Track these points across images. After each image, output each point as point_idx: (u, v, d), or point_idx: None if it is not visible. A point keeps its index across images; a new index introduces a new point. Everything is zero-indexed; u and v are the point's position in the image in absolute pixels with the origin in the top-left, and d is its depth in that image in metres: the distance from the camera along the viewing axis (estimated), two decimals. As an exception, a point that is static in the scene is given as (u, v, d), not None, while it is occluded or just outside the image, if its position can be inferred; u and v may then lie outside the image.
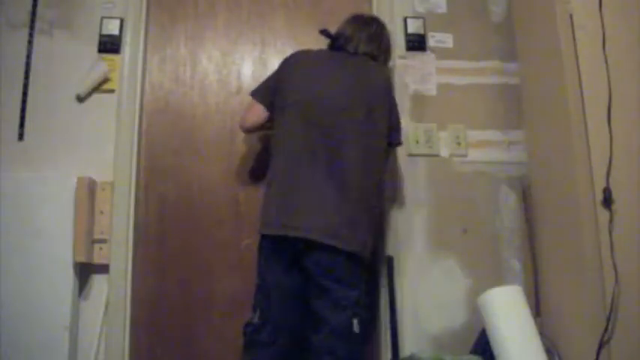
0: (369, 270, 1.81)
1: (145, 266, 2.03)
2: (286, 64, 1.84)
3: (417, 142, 2.14)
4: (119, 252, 1.96)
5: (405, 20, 2.24)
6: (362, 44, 1.84)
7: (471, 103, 2.22)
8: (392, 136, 1.82)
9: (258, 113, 1.82)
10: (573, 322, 1.82)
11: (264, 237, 1.69)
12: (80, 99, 2.06)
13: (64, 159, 2.01)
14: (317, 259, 1.61)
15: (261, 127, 1.87)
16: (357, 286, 1.64)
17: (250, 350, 1.66)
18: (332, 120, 1.68)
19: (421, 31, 2.24)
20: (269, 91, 1.82)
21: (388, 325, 1.99)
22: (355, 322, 1.60)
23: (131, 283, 1.98)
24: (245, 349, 1.67)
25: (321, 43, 1.99)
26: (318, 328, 1.61)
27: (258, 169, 2.12)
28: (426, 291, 2.04)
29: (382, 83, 1.80)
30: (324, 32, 1.88)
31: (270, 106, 1.80)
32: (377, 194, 1.78)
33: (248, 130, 1.92)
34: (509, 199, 2.15)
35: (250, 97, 1.87)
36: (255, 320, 1.65)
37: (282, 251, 1.64)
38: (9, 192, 1.89)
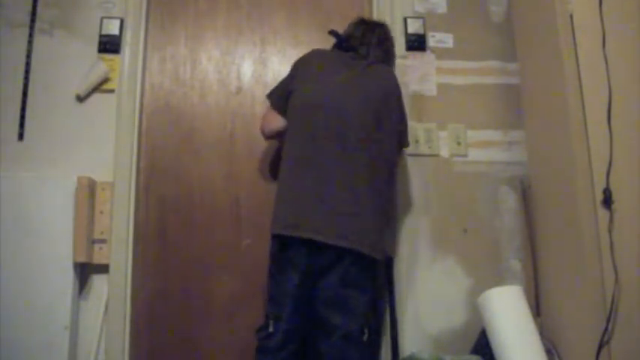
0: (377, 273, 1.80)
1: (145, 266, 2.03)
2: (298, 65, 1.85)
3: (417, 142, 2.14)
4: (119, 252, 1.96)
5: (405, 20, 2.24)
6: (372, 47, 1.85)
7: (471, 103, 2.21)
8: (401, 138, 1.84)
9: (276, 122, 1.81)
10: (573, 322, 1.82)
11: (274, 239, 1.67)
12: (80, 99, 2.06)
13: (64, 159, 2.00)
14: (326, 262, 1.60)
15: (283, 134, 1.83)
16: (368, 290, 1.63)
17: (260, 356, 1.64)
18: (341, 123, 1.67)
19: (421, 31, 2.24)
20: (283, 98, 1.80)
21: (388, 325, 1.99)
22: (366, 330, 1.60)
23: (131, 283, 1.97)
24: (256, 353, 1.65)
25: (323, 42, 1.99)
26: (327, 335, 1.59)
27: (258, 169, 2.12)
28: (426, 291, 2.04)
29: (392, 87, 1.81)
30: (333, 33, 1.88)
31: (285, 113, 1.79)
32: (388, 196, 1.76)
33: (268, 138, 1.91)
34: (510, 199, 2.15)
35: (267, 100, 1.87)
36: (270, 329, 1.62)
37: (293, 256, 1.62)
38: (9, 192, 1.88)
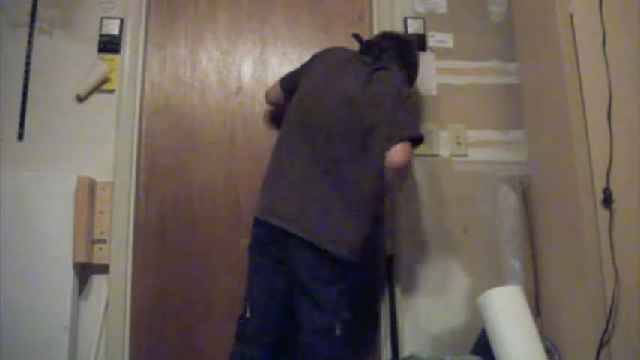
0: (364, 269, 1.80)
1: (145, 266, 2.03)
2: (314, 59, 1.89)
3: (417, 142, 2.14)
4: (119, 252, 1.96)
5: (405, 20, 2.24)
6: (389, 53, 1.82)
7: (471, 103, 2.21)
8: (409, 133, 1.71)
9: (274, 94, 2.00)
10: (573, 322, 1.82)
11: (254, 221, 1.73)
12: (80, 99, 2.06)
13: (64, 159, 2.01)
14: (296, 252, 1.61)
15: (282, 106, 1.97)
16: (339, 284, 1.62)
17: (238, 342, 1.68)
18: (330, 123, 1.67)
19: (421, 31, 2.24)
20: (291, 80, 1.90)
21: (388, 325, 1.99)
22: (338, 326, 1.58)
23: (131, 283, 1.97)
24: (235, 339, 1.69)
25: (323, 43, 2.00)
26: (299, 328, 1.61)
27: (258, 169, 2.12)
28: (426, 291, 2.04)
29: (388, 92, 1.70)
30: (357, 37, 1.88)
31: (287, 93, 1.90)
32: (374, 199, 1.71)
33: (269, 105, 2.09)
34: (509, 199, 2.15)
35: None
36: (247, 314, 1.67)
37: (267, 243, 1.66)
38: (9, 192, 1.88)
